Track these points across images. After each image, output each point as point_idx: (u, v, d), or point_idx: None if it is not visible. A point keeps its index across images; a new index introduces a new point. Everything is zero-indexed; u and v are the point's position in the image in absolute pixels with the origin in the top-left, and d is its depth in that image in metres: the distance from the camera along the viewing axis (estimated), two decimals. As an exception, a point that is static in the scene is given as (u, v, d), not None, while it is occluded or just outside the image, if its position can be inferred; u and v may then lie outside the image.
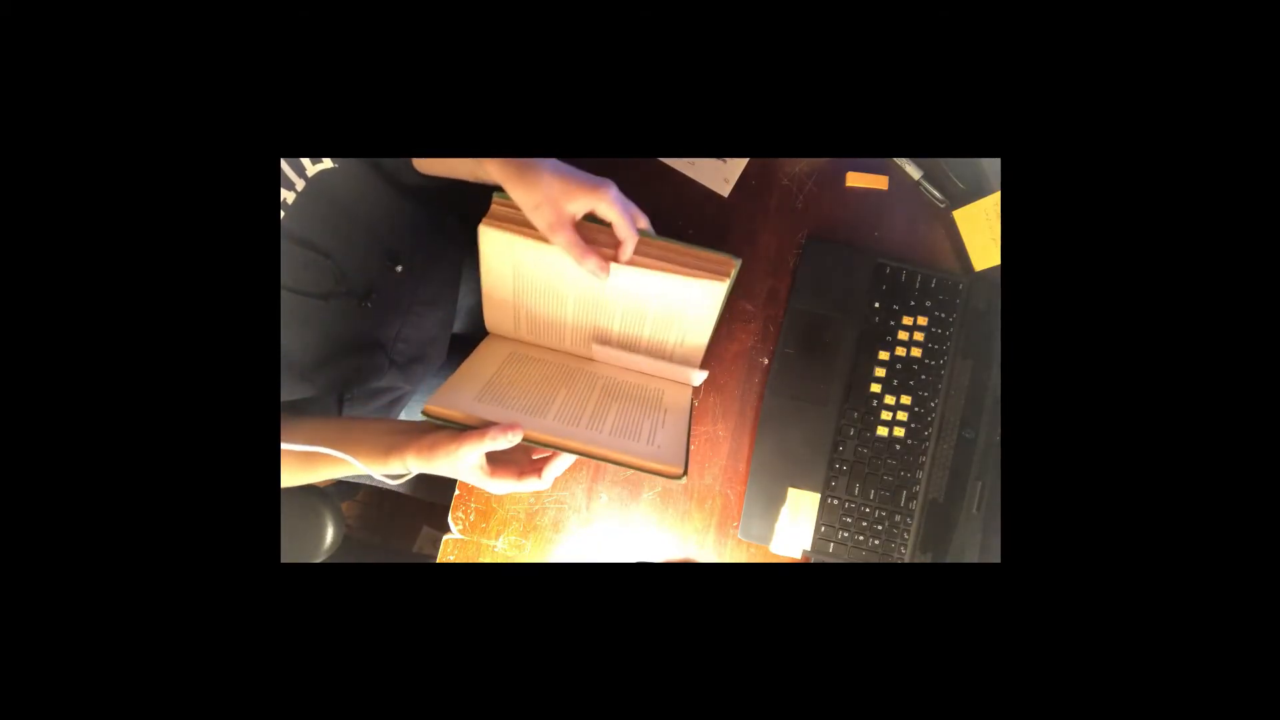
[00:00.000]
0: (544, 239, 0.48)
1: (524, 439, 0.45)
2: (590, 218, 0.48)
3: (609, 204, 0.46)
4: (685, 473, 0.46)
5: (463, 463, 0.45)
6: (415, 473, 0.49)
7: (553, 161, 0.48)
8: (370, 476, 0.52)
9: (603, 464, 0.64)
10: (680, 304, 0.53)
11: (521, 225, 0.49)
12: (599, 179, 0.47)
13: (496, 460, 0.49)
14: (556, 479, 0.52)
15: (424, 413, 0.46)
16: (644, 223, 0.50)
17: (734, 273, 0.50)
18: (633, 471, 0.48)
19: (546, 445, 0.47)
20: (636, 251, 0.49)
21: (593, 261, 0.48)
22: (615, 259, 0.49)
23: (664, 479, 0.47)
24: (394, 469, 0.48)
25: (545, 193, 0.46)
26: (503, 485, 0.49)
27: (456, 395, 0.49)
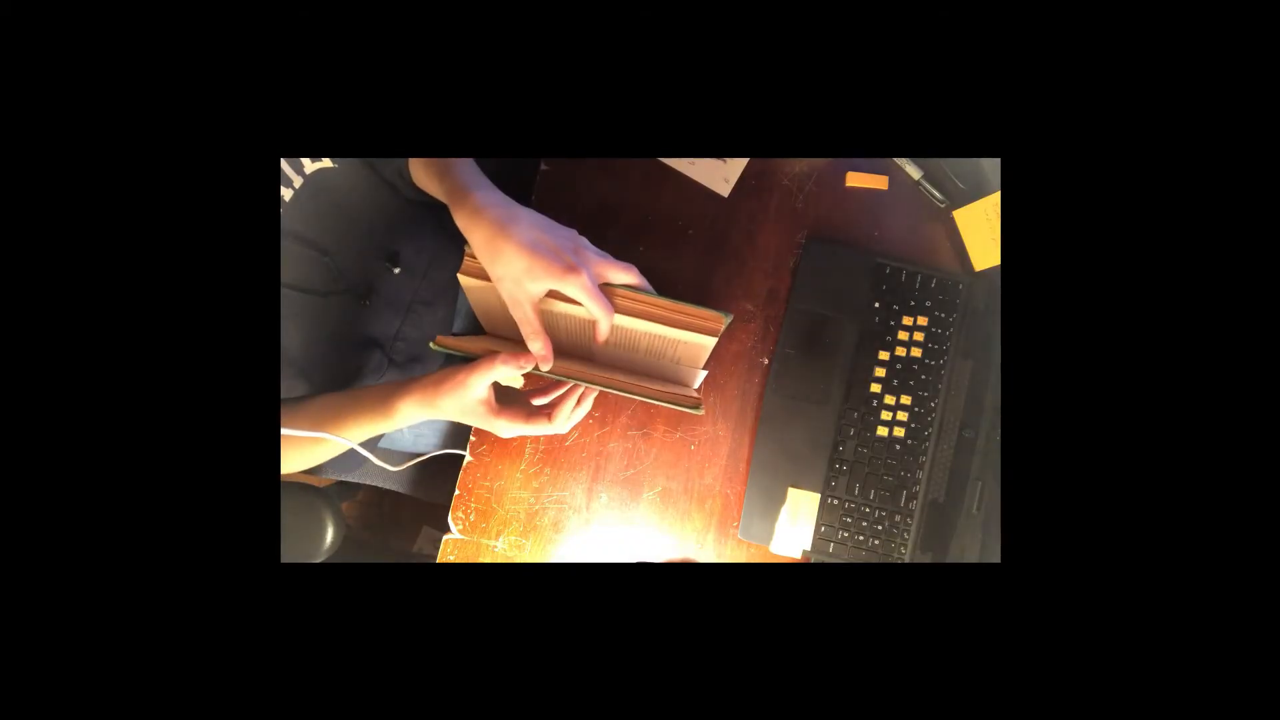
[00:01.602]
0: None
1: (537, 370, 0.44)
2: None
3: (577, 289, 0.43)
4: (700, 406, 0.47)
5: (470, 395, 0.44)
6: (417, 422, 0.48)
7: (527, 224, 0.44)
8: (370, 464, 0.52)
9: (603, 462, 0.65)
10: (671, 348, 0.51)
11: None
12: (571, 259, 0.43)
13: (505, 402, 0.47)
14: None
15: (434, 344, 0.45)
16: (633, 277, 0.46)
17: (724, 327, 0.48)
18: (647, 416, 0.48)
19: (561, 377, 0.45)
20: (625, 310, 0.46)
21: (538, 344, 0.45)
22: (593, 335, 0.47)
23: (683, 411, 0.46)
24: (397, 423, 0.47)
25: (507, 269, 0.43)
26: (510, 427, 0.47)
27: (465, 338, 0.49)
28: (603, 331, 0.46)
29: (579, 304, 0.44)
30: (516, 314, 0.45)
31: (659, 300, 0.46)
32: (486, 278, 0.47)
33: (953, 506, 0.63)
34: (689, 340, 0.47)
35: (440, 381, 0.45)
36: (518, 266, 0.42)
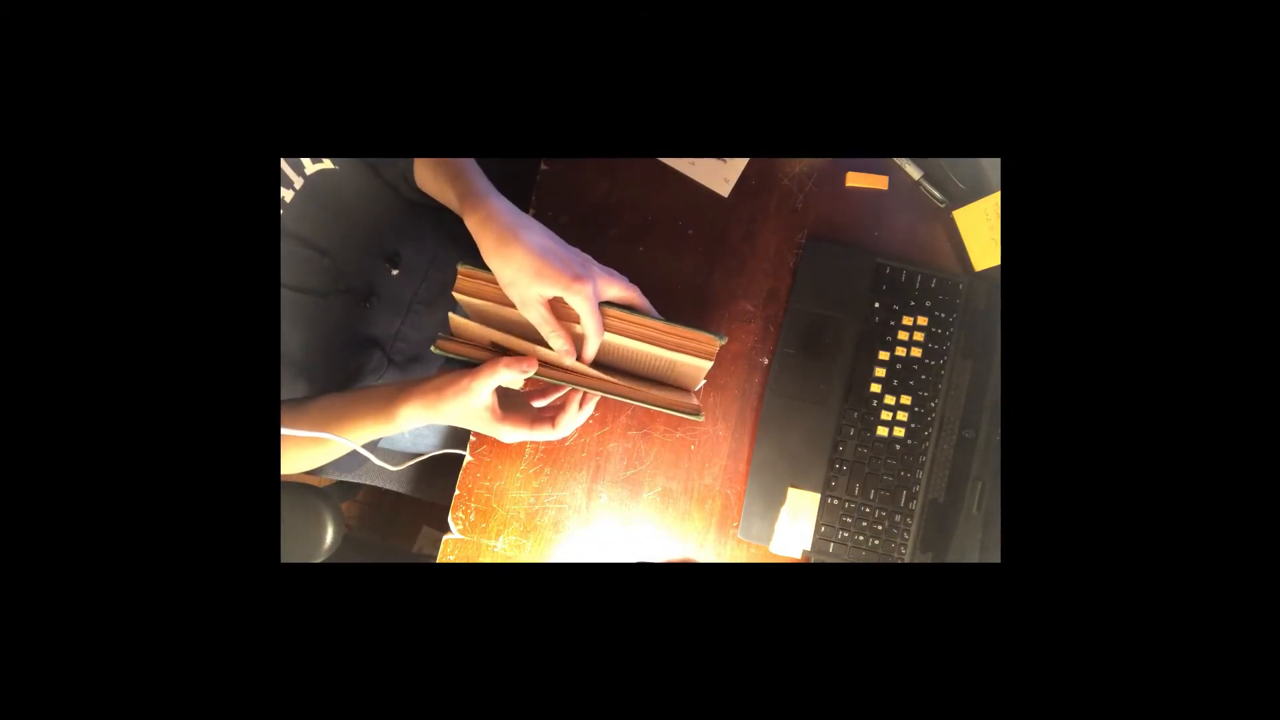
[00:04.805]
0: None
1: (538, 374, 0.44)
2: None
3: (581, 300, 0.43)
4: (701, 414, 0.47)
5: (474, 400, 0.44)
6: (419, 425, 0.47)
7: (540, 232, 0.45)
8: (370, 464, 0.52)
9: (603, 462, 0.65)
10: (668, 366, 0.51)
11: (491, 299, 0.46)
12: (579, 270, 0.43)
13: (508, 407, 0.47)
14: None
15: (435, 347, 0.45)
16: (635, 295, 0.47)
17: (717, 349, 0.47)
18: (642, 432, 0.48)
19: (564, 381, 0.46)
20: (617, 330, 0.46)
21: (561, 340, 0.45)
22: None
23: (683, 419, 0.46)
24: (399, 426, 0.47)
25: (517, 272, 0.43)
26: (514, 432, 0.47)
27: (467, 335, 0.48)
28: (589, 353, 0.46)
29: (575, 320, 0.44)
30: (530, 315, 0.44)
31: (651, 322, 0.46)
32: (481, 296, 0.46)
33: (953, 506, 0.63)
34: (684, 361, 0.47)
35: (442, 386, 0.44)
36: (529, 268, 0.42)
